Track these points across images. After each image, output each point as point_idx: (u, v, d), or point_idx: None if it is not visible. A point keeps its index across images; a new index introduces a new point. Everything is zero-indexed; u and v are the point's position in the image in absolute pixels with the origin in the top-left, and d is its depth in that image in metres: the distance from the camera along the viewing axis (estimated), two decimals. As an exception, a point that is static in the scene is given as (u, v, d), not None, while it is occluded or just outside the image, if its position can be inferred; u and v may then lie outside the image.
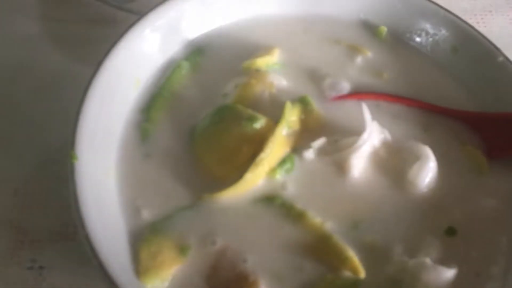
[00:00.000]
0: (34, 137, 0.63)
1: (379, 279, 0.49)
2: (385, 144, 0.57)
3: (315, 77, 0.62)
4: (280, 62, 0.63)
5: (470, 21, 0.66)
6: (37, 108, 0.65)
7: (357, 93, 0.61)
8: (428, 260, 0.49)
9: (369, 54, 0.65)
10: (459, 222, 0.54)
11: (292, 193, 0.53)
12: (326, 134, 0.56)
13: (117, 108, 0.56)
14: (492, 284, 0.51)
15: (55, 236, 0.57)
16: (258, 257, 0.49)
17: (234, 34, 0.64)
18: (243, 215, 0.51)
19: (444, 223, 0.53)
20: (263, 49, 0.62)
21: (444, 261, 0.50)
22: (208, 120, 0.56)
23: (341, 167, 0.55)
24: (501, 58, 0.62)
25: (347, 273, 0.49)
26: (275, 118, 0.55)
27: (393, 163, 0.56)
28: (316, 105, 0.59)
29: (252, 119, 0.54)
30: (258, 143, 0.53)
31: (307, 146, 0.55)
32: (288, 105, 0.55)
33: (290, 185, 0.54)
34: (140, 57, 0.58)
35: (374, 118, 0.56)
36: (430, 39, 0.66)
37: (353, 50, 0.65)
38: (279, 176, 0.54)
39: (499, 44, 0.63)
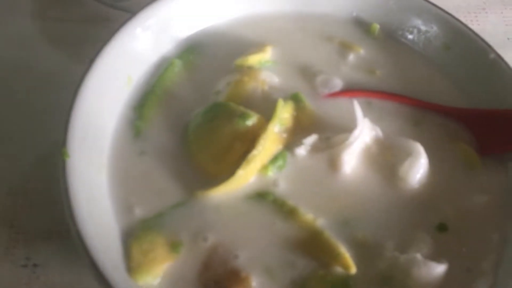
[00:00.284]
0: (29, 136, 0.63)
1: (371, 274, 0.50)
2: (377, 140, 0.57)
3: (307, 74, 0.62)
4: (273, 59, 0.63)
5: (463, 19, 0.66)
6: (33, 107, 0.65)
7: (349, 90, 0.61)
8: (419, 256, 0.50)
9: (362, 51, 0.66)
10: (450, 218, 0.54)
11: (284, 189, 0.53)
12: (318, 131, 0.57)
13: (109, 106, 0.56)
14: (483, 280, 0.51)
15: (49, 234, 0.57)
16: (250, 253, 0.49)
17: (227, 32, 0.65)
18: (235, 212, 0.52)
19: (435, 219, 0.54)
20: (255, 47, 0.63)
21: (435, 257, 0.51)
22: (200, 117, 0.56)
23: (333, 164, 0.55)
24: (492, 55, 0.62)
25: (338, 269, 0.49)
26: (267, 115, 0.55)
27: (385, 160, 0.56)
28: (308, 102, 0.59)
29: (244, 116, 0.54)
30: (250, 140, 0.53)
31: (299, 143, 0.56)
32: (280, 102, 0.56)
33: (282, 181, 0.54)
34: (132, 55, 0.59)
35: (365, 115, 0.57)
36: (422, 37, 0.67)
37: (345, 47, 0.66)
38: (271, 173, 0.54)
39: (492, 42, 0.64)
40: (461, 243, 0.53)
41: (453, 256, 0.52)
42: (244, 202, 0.52)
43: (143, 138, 0.56)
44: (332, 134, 0.56)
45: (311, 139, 0.56)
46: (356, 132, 0.55)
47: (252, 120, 0.54)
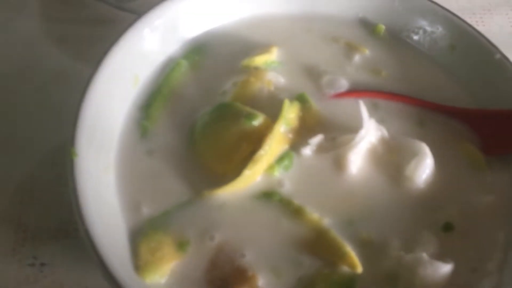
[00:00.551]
0: (36, 135, 0.63)
1: (376, 274, 0.50)
2: (383, 141, 0.57)
3: (313, 74, 0.62)
4: (279, 60, 0.63)
5: (469, 20, 0.66)
6: (38, 107, 0.66)
7: (355, 91, 0.62)
8: (424, 255, 0.50)
9: (367, 52, 0.66)
10: (456, 218, 0.54)
11: (290, 189, 0.54)
12: (324, 131, 0.57)
13: (116, 106, 0.56)
14: (488, 280, 0.51)
15: (56, 234, 0.57)
16: (256, 252, 0.50)
17: (233, 33, 0.65)
18: (242, 211, 0.52)
19: (441, 219, 0.54)
20: (261, 47, 0.63)
21: (441, 257, 0.51)
22: (207, 117, 0.56)
23: (338, 164, 0.55)
24: (498, 56, 0.62)
25: (344, 268, 0.50)
26: (274, 115, 0.55)
27: (390, 160, 0.56)
28: (314, 103, 0.59)
29: (251, 117, 0.54)
30: (257, 140, 0.53)
31: (305, 143, 0.56)
32: (286, 103, 0.56)
33: (288, 181, 0.54)
34: (139, 55, 0.59)
35: (371, 115, 0.57)
36: (428, 37, 0.67)
37: (351, 48, 0.66)
38: (277, 172, 0.54)
39: (497, 43, 0.64)
40: (467, 243, 0.53)
41: (459, 256, 0.52)
42: (251, 202, 0.53)
43: (150, 137, 0.56)
44: (338, 134, 0.57)
45: (317, 139, 0.56)
46: (362, 132, 0.55)
47: (258, 120, 0.54)
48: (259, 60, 0.61)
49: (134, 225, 0.51)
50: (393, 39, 0.68)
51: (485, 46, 0.63)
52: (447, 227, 0.53)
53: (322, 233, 0.51)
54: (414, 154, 0.55)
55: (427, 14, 0.66)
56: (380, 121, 0.58)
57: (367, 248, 0.51)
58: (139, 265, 0.48)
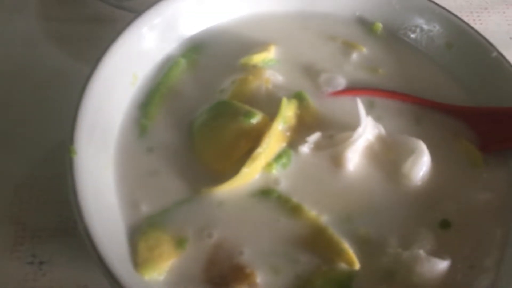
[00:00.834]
0: (34, 134, 0.63)
1: (374, 270, 0.50)
2: (380, 138, 0.57)
3: (311, 73, 0.63)
4: (277, 58, 0.63)
5: (466, 19, 0.66)
6: (37, 106, 0.66)
7: (353, 89, 0.62)
8: (422, 252, 0.50)
9: (365, 50, 0.66)
10: (453, 215, 0.54)
11: (288, 187, 0.54)
12: (322, 129, 0.57)
13: (115, 104, 0.56)
14: (485, 276, 0.52)
15: (55, 232, 0.58)
16: (255, 250, 0.50)
17: (231, 31, 0.65)
18: (240, 209, 0.52)
19: (438, 216, 0.54)
20: (259, 46, 0.63)
21: (438, 253, 0.51)
22: (205, 115, 0.56)
23: (336, 161, 0.55)
24: (494, 54, 0.62)
25: (342, 265, 0.50)
26: (272, 113, 0.55)
27: (388, 157, 0.56)
28: (312, 101, 0.60)
29: (249, 115, 0.55)
30: (255, 138, 0.54)
31: (303, 141, 0.56)
32: (284, 101, 0.56)
33: (286, 179, 0.54)
34: (138, 54, 0.59)
35: (368, 113, 0.57)
36: (425, 35, 0.67)
37: (348, 46, 0.66)
38: (275, 170, 0.55)
39: (495, 42, 0.64)
40: (464, 239, 0.53)
41: (456, 252, 0.52)
42: (249, 199, 0.53)
43: (148, 136, 0.56)
44: (335, 132, 0.57)
45: (314, 137, 0.56)
46: (359, 130, 0.55)
47: (256, 118, 0.55)
48: (257, 58, 0.62)
49: (133, 223, 0.51)
50: (390, 37, 0.68)
51: (482, 44, 0.63)
52: (444, 224, 0.54)
53: (319, 230, 0.51)
54: (411, 152, 0.56)
55: (424, 12, 0.67)
56: (378, 118, 0.58)
57: (364, 245, 0.51)
58: (138, 262, 0.48)
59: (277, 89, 0.60)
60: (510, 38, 0.83)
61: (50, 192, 0.60)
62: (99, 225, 0.46)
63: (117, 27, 0.58)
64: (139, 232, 0.50)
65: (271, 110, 0.56)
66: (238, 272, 0.49)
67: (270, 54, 0.63)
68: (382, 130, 0.57)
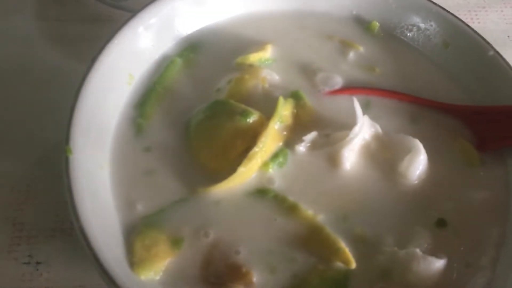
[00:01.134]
0: (31, 134, 0.63)
1: (370, 269, 0.50)
2: (376, 137, 0.57)
3: (307, 72, 0.63)
4: (273, 57, 0.63)
5: (464, 17, 0.66)
6: (34, 106, 0.66)
7: (349, 88, 0.62)
8: (418, 251, 0.50)
9: (361, 49, 0.66)
10: (450, 214, 0.54)
11: (285, 186, 0.54)
12: (318, 128, 0.57)
13: (111, 104, 0.56)
14: (481, 275, 0.52)
15: (52, 232, 0.58)
16: (251, 249, 0.50)
17: (227, 30, 0.65)
18: (236, 208, 0.52)
19: (434, 215, 0.54)
20: (256, 45, 0.63)
21: (434, 252, 0.51)
22: (201, 115, 0.56)
23: (332, 160, 0.55)
24: (491, 52, 0.62)
25: (338, 264, 0.50)
26: (268, 112, 0.55)
27: (384, 156, 0.56)
28: (309, 100, 0.60)
29: (245, 114, 0.55)
30: (251, 137, 0.54)
31: (300, 140, 0.56)
32: (281, 100, 0.56)
33: (282, 178, 0.54)
34: (134, 53, 0.59)
35: (365, 112, 0.57)
36: (422, 34, 0.67)
37: (345, 45, 0.66)
38: (272, 169, 0.55)
39: (492, 41, 0.64)
40: (460, 238, 0.53)
41: (452, 251, 0.52)
42: (245, 198, 0.53)
43: (144, 135, 0.56)
44: (332, 131, 0.57)
45: (311, 136, 0.56)
46: (355, 129, 0.55)
47: (253, 118, 0.55)
48: (254, 57, 0.62)
49: (129, 223, 0.51)
50: (387, 36, 0.68)
51: (478, 43, 0.63)
52: (441, 223, 0.54)
53: (316, 230, 0.51)
54: (408, 151, 0.56)
55: (420, 11, 0.67)
56: (374, 117, 0.58)
57: (361, 244, 0.51)
58: (134, 262, 0.48)
59: (273, 88, 0.60)
60: (508, 37, 0.83)
61: (47, 193, 0.60)
62: (95, 225, 0.46)
63: (114, 27, 0.58)
64: (135, 232, 0.50)
65: (268, 109, 0.56)
66: (235, 271, 0.49)
67: (266, 53, 0.63)
68: (379, 129, 0.57)
